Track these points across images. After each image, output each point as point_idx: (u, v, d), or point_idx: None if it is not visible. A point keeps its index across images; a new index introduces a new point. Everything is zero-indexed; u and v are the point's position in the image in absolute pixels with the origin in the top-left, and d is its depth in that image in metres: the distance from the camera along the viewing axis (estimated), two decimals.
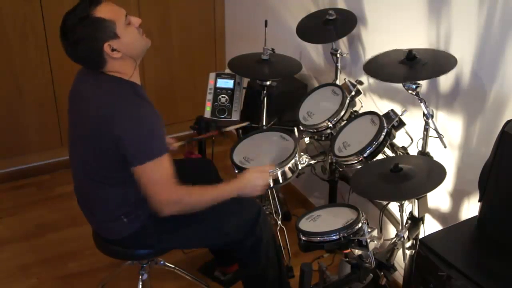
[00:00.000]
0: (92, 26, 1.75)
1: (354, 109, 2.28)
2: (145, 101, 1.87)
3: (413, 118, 2.08)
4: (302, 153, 2.20)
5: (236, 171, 2.17)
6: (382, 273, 1.89)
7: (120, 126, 1.78)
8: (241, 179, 2.01)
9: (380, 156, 1.98)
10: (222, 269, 2.57)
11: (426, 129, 1.90)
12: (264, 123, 2.55)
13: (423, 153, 1.94)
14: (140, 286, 2.28)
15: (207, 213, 1.98)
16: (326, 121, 2.19)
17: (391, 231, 2.36)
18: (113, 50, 1.79)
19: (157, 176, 1.82)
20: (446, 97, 2.03)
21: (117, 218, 1.96)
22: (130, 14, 1.85)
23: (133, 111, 1.80)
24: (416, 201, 1.91)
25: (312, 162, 2.24)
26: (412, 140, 2.02)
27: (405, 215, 1.91)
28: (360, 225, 1.83)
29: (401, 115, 1.98)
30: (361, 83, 2.23)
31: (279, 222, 2.43)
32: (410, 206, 1.96)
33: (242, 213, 2.09)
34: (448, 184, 2.08)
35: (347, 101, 2.20)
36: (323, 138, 2.34)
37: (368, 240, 1.76)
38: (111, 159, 1.84)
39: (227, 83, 2.52)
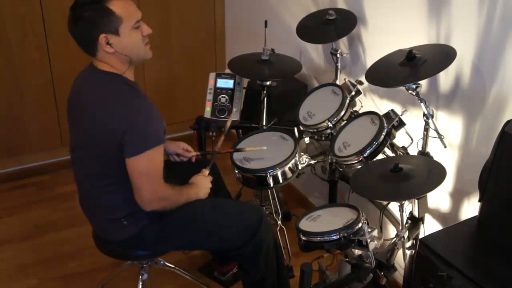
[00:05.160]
0: (99, 12, 1.75)
1: (354, 109, 2.28)
2: (138, 92, 1.87)
3: (413, 118, 2.08)
4: (302, 153, 2.20)
5: (236, 171, 2.17)
6: (382, 273, 1.89)
7: (117, 121, 1.77)
8: (195, 186, 2.04)
9: (380, 156, 1.98)
10: (219, 268, 2.56)
11: (426, 129, 1.90)
12: (264, 123, 2.55)
13: (423, 153, 1.94)
14: (140, 286, 2.28)
15: (208, 219, 1.97)
16: (326, 121, 2.19)
17: (391, 231, 2.36)
18: (107, 43, 1.79)
19: (147, 169, 1.83)
20: (446, 97, 2.03)
21: (117, 220, 1.96)
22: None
23: (127, 103, 1.80)
24: (416, 201, 1.91)
25: (312, 162, 2.24)
26: (412, 140, 2.02)
27: (405, 215, 1.91)
28: (360, 225, 1.83)
29: (401, 115, 1.98)
30: (361, 83, 2.23)
31: (279, 222, 2.43)
32: (410, 206, 1.95)
33: (243, 221, 2.08)
34: (448, 184, 2.08)
35: (347, 101, 2.20)
36: (323, 138, 2.34)
37: (368, 240, 1.76)
38: (112, 159, 1.84)
39: (227, 83, 2.52)
